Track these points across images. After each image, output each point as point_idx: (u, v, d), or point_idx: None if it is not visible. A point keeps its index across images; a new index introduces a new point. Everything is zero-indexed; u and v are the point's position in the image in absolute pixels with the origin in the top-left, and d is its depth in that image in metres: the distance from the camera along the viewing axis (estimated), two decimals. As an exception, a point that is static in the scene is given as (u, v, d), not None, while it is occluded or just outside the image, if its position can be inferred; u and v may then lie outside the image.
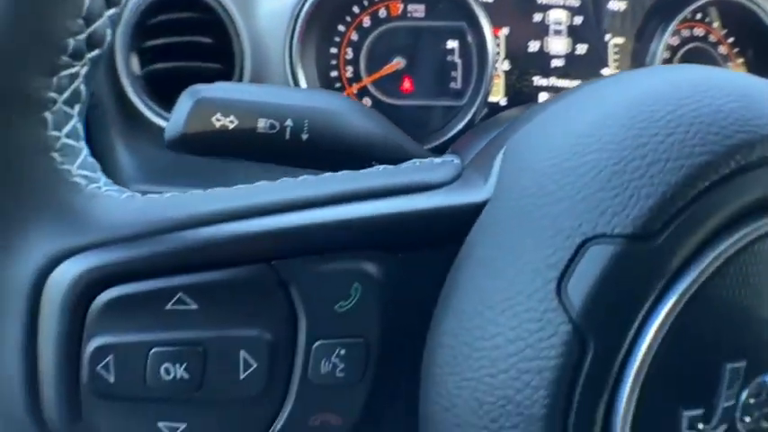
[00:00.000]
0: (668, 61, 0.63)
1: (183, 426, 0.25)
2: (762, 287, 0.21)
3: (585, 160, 0.21)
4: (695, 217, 0.20)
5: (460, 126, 0.56)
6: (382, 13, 0.59)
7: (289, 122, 0.38)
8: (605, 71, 0.63)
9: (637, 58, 0.63)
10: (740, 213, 0.21)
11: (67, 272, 0.25)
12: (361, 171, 0.27)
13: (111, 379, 0.25)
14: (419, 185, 0.27)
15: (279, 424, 0.26)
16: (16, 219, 0.24)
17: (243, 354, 0.25)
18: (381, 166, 0.28)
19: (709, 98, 0.21)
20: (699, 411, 0.21)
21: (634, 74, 0.27)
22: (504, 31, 0.61)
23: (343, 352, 0.25)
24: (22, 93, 0.24)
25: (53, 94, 0.25)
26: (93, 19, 0.24)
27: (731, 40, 0.65)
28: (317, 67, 0.58)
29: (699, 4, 0.61)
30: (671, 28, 0.62)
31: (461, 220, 0.25)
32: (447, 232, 0.25)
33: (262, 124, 0.37)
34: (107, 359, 0.25)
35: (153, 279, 0.25)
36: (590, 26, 0.63)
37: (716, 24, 0.66)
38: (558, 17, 0.62)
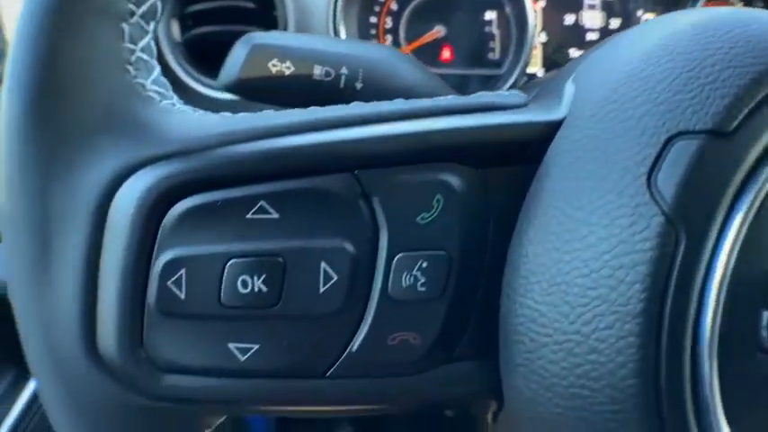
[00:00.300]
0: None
1: (255, 347, 0.25)
2: None
3: (660, 69, 0.23)
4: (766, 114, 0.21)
5: (500, 94, 0.57)
6: (422, -18, 0.60)
7: (344, 70, 0.39)
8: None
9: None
10: None
11: (140, 182, 0.24)
12: (435, 98, 0.27)
13: (182, 295, 0.24)
14: (493, 106, 0.27)
15: (356, 343, 0.25)
16: (84, 131, 0.24)
17: (323, 265, 0.24)
18: (450, 96, 0.28)
19: (760, 22, 0.24)
20: None
21: (695, 9, 0.29)
22: (541, 3, 0.62)
23: (424, 265, 0.25)
24: (102, 1, 0.24)
25: (132, 6, 0.25)
26: None
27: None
28: (359, 35, 0.59)
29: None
30: (699, 4, 0.63)
31: (538, 137, 0.25)
32: (524, 149, 0.25)
33: (317, 71, 0.38)
34: (179, 273, 0.24)
35: (234, 187, 0.24)
36: (623, 1, 0.64)
37: (739, 5, 0.66)
38: (591, -9, 0.63)
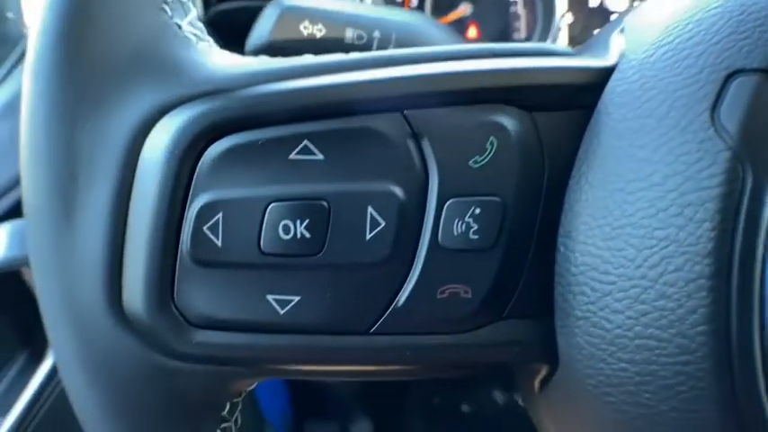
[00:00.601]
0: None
1: (295, 299, 0.23)
2: None
3: (712, 13, 0.22)
4: None
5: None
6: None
7: (376, 34, 0.38)
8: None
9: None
10: None
11: (176, 121, 0.22)
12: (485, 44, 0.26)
13: (219, 242, 0.23)
14: (544, 51, 0.26)
15: (403, 296, 0.23)
16: (116, 70, 0.23)
17: (370, 210, 0.23)
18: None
19: None
20: None
21: None
22: (566, -16, 0.61)
23: (477, 211, 0.23)
24: None
25: None
26: None
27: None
28: (383, 12, 0.58)
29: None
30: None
31: (591, 82, 0.24)
32: (576, 94, 0.24)
33: (349, 34, 0.37)
34: (215, 218, 0.23)
35: (276, 126, 0.23)
36: (647, -17, 0.63)
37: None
38: (616, -27, 0.63)
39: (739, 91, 0.20)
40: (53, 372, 0.51)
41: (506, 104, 0.24)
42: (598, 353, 0.22)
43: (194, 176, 0.23)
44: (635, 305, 0.20)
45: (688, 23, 0.22)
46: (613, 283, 0.21)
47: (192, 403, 0.25)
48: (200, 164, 0.23)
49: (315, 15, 0.38)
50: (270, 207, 0.23)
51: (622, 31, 0.26)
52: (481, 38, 0.59)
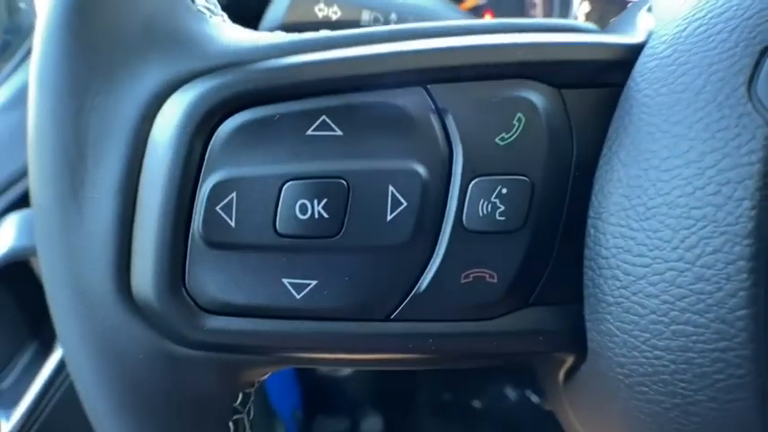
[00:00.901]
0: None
1: (312, 283, 0.22)
2: None
3: None
4: None
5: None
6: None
7: (393, 17, 0.37)
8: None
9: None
10: None
11: (188, 95, 0.21)
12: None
13: (232, 222, 0.22)
14: (570, 27, 0.25)
15: (425, 281, 0.22)
16: (127, 43, 0.22)
17: (391, 189, 0.22)
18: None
19: None
20: None
21: None
22: (583, -26, 0.60)
23: (504, 191, 0.22)
24: None
25: None
26: None
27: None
28: None
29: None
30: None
31: (620, 59, 0.23)
32: (605, 71, 0.23)
33: (366, 17, 0.36)
34: (229, 197, 0.22)
35: (293, 101, 0.22)
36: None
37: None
38: (633, -38, 0.61)
39: None
40: (63, 363, 0.51)
41: (533, 80, 0.23)
42: (631, 340, 0.21)
43: (207, 154, 0.22)
44: (671, 289, 0.19)
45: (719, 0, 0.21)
46: (648, 265, 0.20)
47: (204, 393, 0.25)
48: (212, 140, 0.22)
49: (330, -3, 0.37)
50: (286, 186, 0.22)
51: (649, 10, 0.25)
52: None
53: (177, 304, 0.23)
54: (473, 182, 0.22)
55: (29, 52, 0.65)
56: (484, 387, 0.80)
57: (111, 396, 0.24)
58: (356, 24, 0.37)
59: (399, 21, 0.37)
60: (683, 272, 0.19)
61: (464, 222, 0.22)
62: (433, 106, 0.22)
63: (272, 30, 0.38)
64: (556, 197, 0.23)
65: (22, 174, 0.54)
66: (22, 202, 0.54)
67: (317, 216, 0.22)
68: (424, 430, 0.80)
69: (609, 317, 0.21)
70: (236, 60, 0.22)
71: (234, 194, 0.22)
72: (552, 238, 0.23)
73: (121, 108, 0.22)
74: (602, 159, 0.22)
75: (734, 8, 0.21)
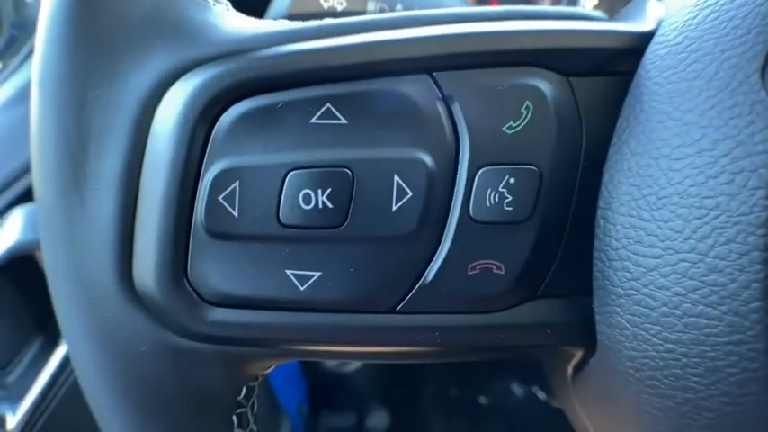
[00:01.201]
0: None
1: (316, 275, 0.22)
2: None
3: None
4: None
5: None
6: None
7: (399, 7, 0.36)
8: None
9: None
10: None
11: (190, 83, 0.21)
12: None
13: (235, 212, 0.22)
14: (579, 15, 0.24)
15: (431, 272, 0.22)
16: (129, 32, 0.22)
17: (397, 179, 0.21)
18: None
19: None
20: None
21: None
22: (591, -34, 0.59)
23: (511, 181, 0.22)
24: None
25: None
26: None
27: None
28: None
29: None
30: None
31: (629, 47, 0.22)
32: (614, 59, 0.23)
33: (371, 7, 0.36)
34: (232, 187, 0.21)
35: (296, 88, 0.22)
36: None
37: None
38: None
39: None
40: (69, 357, 0.51)
41: (541, 68, 0.22)
42: (642, 333, 0.20)
43: (209, 143, 0.22)
44: (683, 280, 0.19)
45: None
46: (659, 257, 0.19)
47: (207, 386, 0.24)
48: (215, 129, 0.22)
49: (335, -13, 0.36)
50: (289, 175, 0.21)
51: None
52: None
53: (179, 296, 0.22)
54: (480, 171, 0.22)
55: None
56: (490, 383, 0.80)
57: (113, 388, 0.24)
58: (362, 15, 0.37)
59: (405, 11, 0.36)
60: (695, 263, 0.19)
61: (471, 213, 0.22)
62: (440, 94, 0.22)
63: (277, 20, 0.38)
64: (564, 187, 0.22)
65: (29, 168, 0.54)
66: (28, 196, 0.54)
67: (320, 206, 0.21)
68: (429, 426, 0.79)
69: (619, 309, 0.21)
70: (239, 48, 0.22)
71: (236, 184, 0.22)
72: (561, 229, 0.23)
73: (123, 99, 0.22)
74: (612, 149, 0.22)
75: None
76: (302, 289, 0.22)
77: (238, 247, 0.22)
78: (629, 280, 0.20)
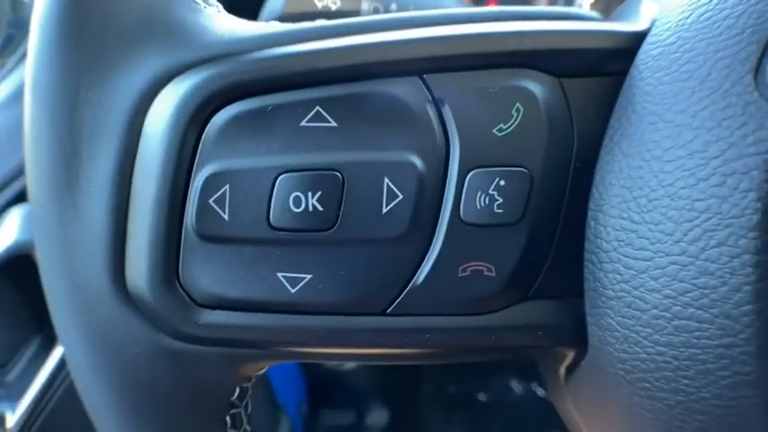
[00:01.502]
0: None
1: (307, 277, 0.22)
2: None
3: None
4: None
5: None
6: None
7: (393, 7, 0.36)
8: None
9: None
10: None
11: (180, 86, 0.21)
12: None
13: (226, 215, 0.22)
14: (570, 15, 0.24)
15: (422, 274, 0.22)
16: (121, 35, 0.22)
17: (387, 182, 0.21)
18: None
19: None
20: None
21: None
22: (591, -37, 0.59)
23: (502, 183, 0.22)
24: None
25: None
26: None
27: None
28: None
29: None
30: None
31: (621, 47, 0.22)
32: (606, 59, 0.23)
33: (365, 6, 0.35)
34: (222, 190, 0.21)
35: (286, 91, 0.22)
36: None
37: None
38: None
39: None
40: (66, 356, 0.51)
41: (532, 69, 0.22)
42: (632, 335, 0.20)
43: (200, 145, 0.22)
44: (673, 283, 0.19)
45: None
46: (649, 259, 0.19)
47: (200, 387, 0.24)
48: (205, 132, 0.22)
49: (330, -13, 0.36)
50: (280, 178, 0.21)
51: None
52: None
53: (171, 298, 0.22)
54: (470, 173, 0.22)
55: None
56: (489, 380, 0.80)
57: (107, 389, 0.24)
58: (356, 14, 0.37)
59: (400, 11, 0.36)
60: (685, 266, 0.19)
61: (461, 215, 0.22)
62: (430, 96, 0.22)
63: (271, 21, 0.38)
64: (555, 189, 0.22)
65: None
66: (26, 195, 0.54)
67: (311, 209, 0.21)
68: (429, 423, 0.80)
69: (610, 311, 0.21)
70: (230, 51, 0.22)
71: (227, 187, 0.22)
72: (552, 231, 0.22)
73: (115, 101, 0.22)
74: (604, 150, 0.21)
75: None
76: (293, 291, 0.22)
77: (229, 250, 0.22)
78: (619, 282, 0.20)
